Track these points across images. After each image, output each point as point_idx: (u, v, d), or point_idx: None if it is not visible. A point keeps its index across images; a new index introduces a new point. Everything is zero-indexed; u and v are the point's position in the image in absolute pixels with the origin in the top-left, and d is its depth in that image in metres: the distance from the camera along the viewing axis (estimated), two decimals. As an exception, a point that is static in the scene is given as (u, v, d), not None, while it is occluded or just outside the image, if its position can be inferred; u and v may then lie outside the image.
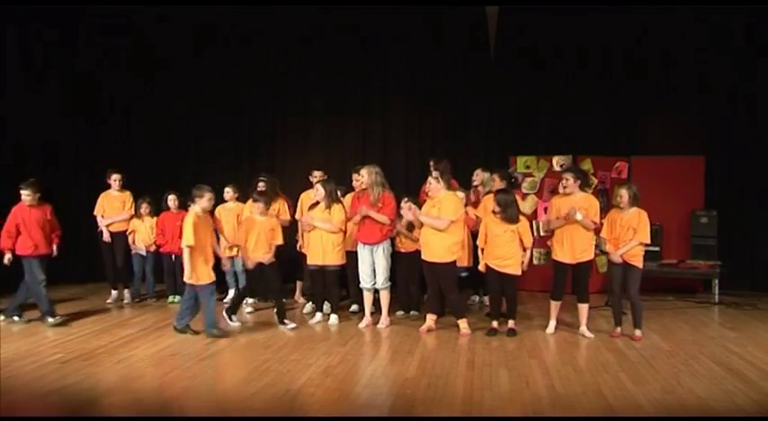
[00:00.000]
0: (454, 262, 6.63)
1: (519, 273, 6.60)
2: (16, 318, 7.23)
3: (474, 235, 7.21)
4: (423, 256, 6.69)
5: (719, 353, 5.98)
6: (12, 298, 7.35)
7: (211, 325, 6.54)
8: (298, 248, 7.99)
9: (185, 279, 6.57)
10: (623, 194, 6.41)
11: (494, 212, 6.61)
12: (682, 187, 9.08)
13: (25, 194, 7.19)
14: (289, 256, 8.28)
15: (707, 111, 9.32)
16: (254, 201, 7.31)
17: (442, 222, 6.46)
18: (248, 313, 7.81)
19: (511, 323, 6.73)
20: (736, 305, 8.30)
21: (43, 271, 7.21)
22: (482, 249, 6.67)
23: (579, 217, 6.38)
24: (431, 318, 6.78)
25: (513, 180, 7.97)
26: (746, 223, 9.20)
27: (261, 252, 7.02)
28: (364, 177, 7.00)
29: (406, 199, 6.92)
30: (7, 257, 7.14)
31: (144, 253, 8.57)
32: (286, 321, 6.98)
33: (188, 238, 6.40)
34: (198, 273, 6.48)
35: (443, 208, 6.52)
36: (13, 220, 7.13)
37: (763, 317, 7.62)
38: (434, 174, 6.80)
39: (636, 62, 9.40)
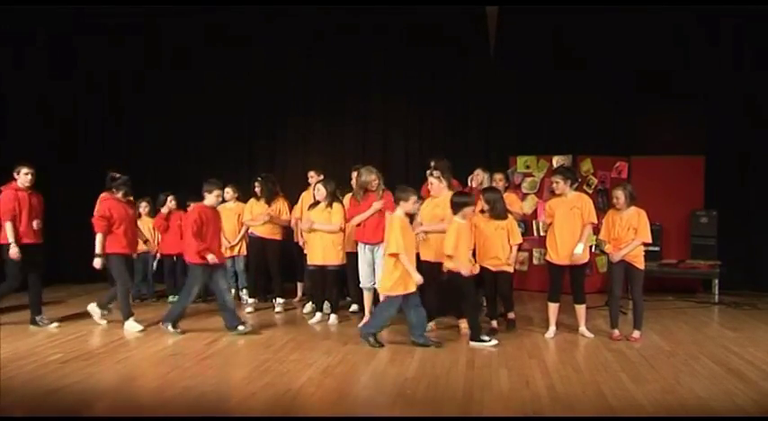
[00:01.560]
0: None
1: (512, 270, 6.61)
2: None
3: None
4: (427, 258, 6.66)
5: (719, 352, 5.97)
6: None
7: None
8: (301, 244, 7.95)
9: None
10: (619, 196, 6.40)
11: (482, 211, 6.58)
12: (682, 187, 9.09)
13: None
14: (289, 256, 8.30)
15: (706, 111, 9.33)
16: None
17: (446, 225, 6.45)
18: (248, 313, 7.82)
19: (510, 315, 6.79)
20: (735, 305, 8.30)
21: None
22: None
23: (579, 251, 6.40)
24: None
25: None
26: (746, 223, 9.21)
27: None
28: (375, 180, 6.93)
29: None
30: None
31: (154, 253, 8.60)
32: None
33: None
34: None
35: (448, 208, 6.50)
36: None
37: (763, 317, 7.62)
38: (436, 173, 6.78)
39: (635, 62, 9.40)
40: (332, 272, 7.13)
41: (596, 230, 6.62)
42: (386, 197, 6.92)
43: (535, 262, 9.08)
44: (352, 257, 7.16)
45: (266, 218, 7.89)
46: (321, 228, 7.04)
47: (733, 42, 9.17)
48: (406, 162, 9.84)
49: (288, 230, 8.16)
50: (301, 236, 7.86)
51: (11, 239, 6.71)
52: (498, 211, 6.54)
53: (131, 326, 6.77)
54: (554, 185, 6.58)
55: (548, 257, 6.65)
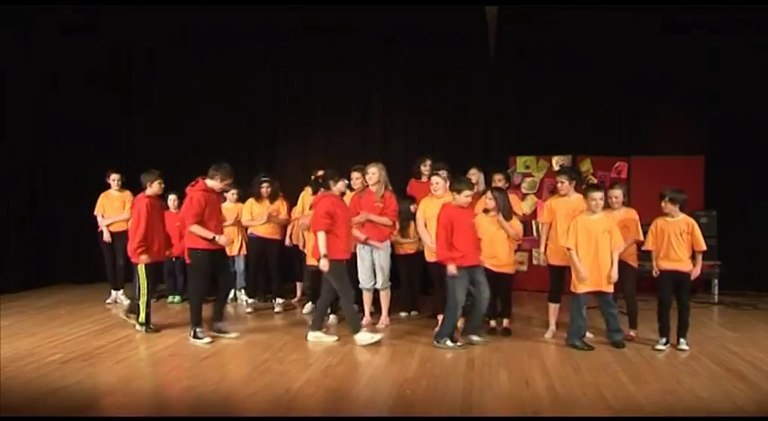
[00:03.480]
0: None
1: (513, 271, 6.61)
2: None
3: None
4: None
5: (719, 353, 5.98)
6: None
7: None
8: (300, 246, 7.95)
9: None
10: (618, 195, 6.42)
11: (485, 211, 6.54)
12: (681, 187, 8.97)
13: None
14: (289, 256, 8.30)
15: (706, 111, 9.32)
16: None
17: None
18: (248, 313, 7.82)
19: (505, 322, 6.77)
20: (735, 305, 8.31)
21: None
22: None
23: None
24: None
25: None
26: (746, 223, 9.21)
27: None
28: (375, 175, 6.88)
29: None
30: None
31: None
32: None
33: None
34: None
35: None
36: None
37: (763, 318, 7.63)
38: (442, 173, 6.80)
39: (635, 62, 9.39)
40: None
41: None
42: (387, 200, 6.96)
43: (534, 262, 9.08)
44: (352, 258, 7.14)
45: (266, 217, 7.89)
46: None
47: (732, 42, 9.15)
48: (406, 162, 9.80)
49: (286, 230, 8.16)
50: (299, 236, 7.86)
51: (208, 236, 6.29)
52: (506, 211, 6.51)
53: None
54: (559, 185, 6.58)
55: (548, 258, 6.65)
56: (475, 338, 6.24)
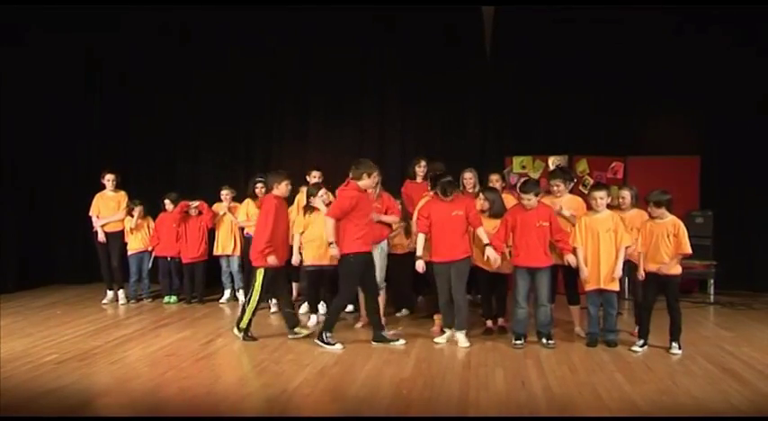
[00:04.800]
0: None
1: (509, 272, 6.61)
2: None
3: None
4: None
5: (715, 353, 5.99)
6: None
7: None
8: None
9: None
10: (626, 195, 6.44)
11: (481, 211, 6.53)
12: (677, 187, 8.96)
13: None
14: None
15: (702, 111, 9.34)
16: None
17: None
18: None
19: (501, 321, 6.79)
20: (731, 305, 8.32)
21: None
22: None
23: (567, 213, 6.42)
24: (438, 318, 6.79)
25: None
26: (742, 223, 9.22)
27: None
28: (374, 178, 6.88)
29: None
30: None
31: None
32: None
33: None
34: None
35: None
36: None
37: (759, 318, 7.64)
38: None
39: (631, 62, 9.40)
40: (327, 272, 7.10)
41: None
42: (387, 200, 6.97)
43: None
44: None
45: None
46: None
47: (730, 42, 9.17)
48: (403, 162, 9.80)
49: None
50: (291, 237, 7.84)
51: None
52: (497, 210, 6.53)
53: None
54: (554, 189, 6.57)
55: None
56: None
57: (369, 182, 6.30)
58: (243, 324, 6.40)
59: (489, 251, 6.13)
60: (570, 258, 6.11)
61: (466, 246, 6.24)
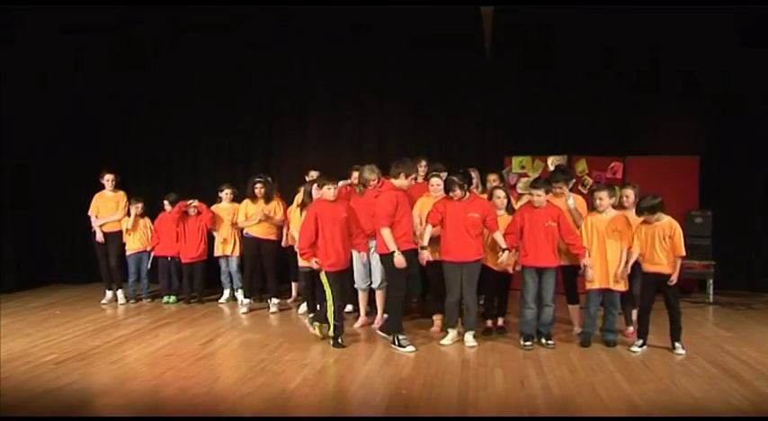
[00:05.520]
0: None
1: (511, 271, 6.60)
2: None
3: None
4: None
5: (714, 353, 5.99)
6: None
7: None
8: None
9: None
10: (629, 194, 6.45)
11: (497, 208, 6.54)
12: (676, 187, 9.06)
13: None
14: (283, 257, 8.28)
15: (701, 111, 9.33)
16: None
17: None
18: (243, 313, 7.80)
19: (500, 321, 6.81)
20: (730, 305, 8.32)
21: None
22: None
23: (571, 203, 6.44)
24: (438, 318, 6.80)
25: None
26: (741, 223, 9.21)
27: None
28: (374, 180, 6.75)
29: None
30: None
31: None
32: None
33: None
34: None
35: None
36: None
37: (758, 317, 7.64)
38: (444, 174, 6.79)
39: (631, 62, 9.40)
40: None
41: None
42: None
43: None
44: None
45: (261, 216, 7.88)
46: None
47: (729, 42, 9.16)
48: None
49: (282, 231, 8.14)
50: (292, 238, 7.85)
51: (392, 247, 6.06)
52: (508, 210, 6.57)
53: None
54: (557, 191, 6.54)
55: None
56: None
57: (405, 182, 6.31)
58: (330, 332, 6.22)
59: (506, 256, 6.17)
60: (587, 260, 6.11)
61: (478, 248, 6.24)
